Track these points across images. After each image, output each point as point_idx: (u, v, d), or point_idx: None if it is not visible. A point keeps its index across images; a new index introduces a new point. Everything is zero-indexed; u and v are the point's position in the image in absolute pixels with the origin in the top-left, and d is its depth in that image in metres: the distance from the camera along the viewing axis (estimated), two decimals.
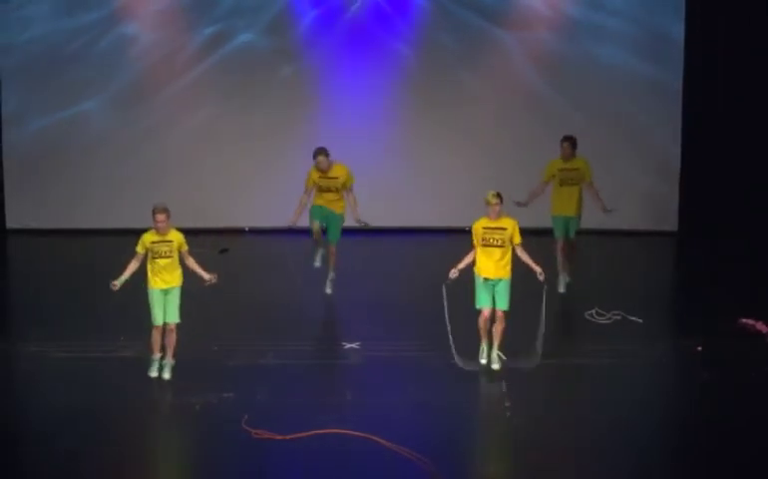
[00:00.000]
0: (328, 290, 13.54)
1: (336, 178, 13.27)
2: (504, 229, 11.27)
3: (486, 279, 11.33)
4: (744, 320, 12.79)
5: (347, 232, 13.69)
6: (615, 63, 17.32)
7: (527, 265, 11.31)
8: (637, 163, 17.42)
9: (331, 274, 13.57)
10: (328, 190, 13.31)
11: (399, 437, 9.62)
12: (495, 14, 17.31)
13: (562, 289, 13.92)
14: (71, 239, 17.20)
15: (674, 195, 17.49)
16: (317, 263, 13.50)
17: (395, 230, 17.26)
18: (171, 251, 11.08)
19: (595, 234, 17.09)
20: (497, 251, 11.27)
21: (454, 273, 11.27)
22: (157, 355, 11.16)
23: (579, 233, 16.60)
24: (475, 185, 16.61)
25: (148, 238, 11.07)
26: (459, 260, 11.36)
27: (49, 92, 17.30)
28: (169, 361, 11.18)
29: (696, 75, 17.15)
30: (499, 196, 11.25)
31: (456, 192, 17.16)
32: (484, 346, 11.49)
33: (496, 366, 11.36)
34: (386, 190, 17.25)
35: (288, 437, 9.67)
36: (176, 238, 11.13)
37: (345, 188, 13.34)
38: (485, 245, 11.30)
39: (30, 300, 14.10)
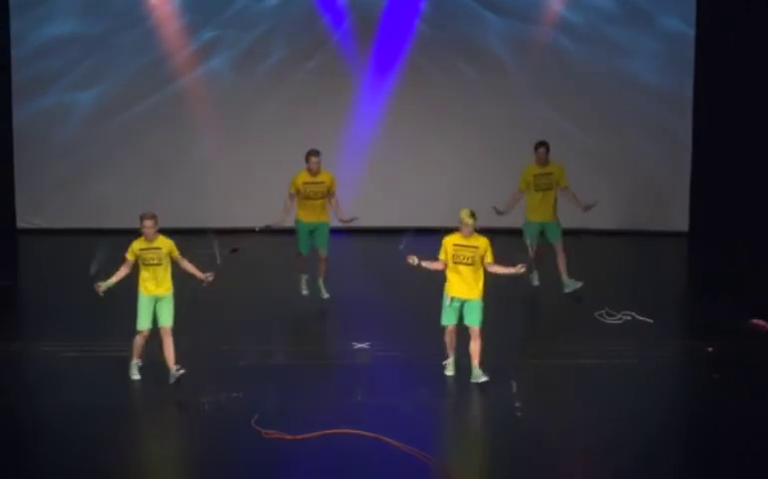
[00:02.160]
0: (325, 295, 13.58)
1: (322, 182, 13.32)
2: (476, 246, 10.99)
3: (452, 299, 11.05)
4: (756, 321, 12.76)
5: (349, 232, 13.68)
6: (626, 63, 17.28)
7: (504, 275, 11.11)
8: (648, 163, 17.37)
9: (321, 281, 13.62)
10: (313, 196, 13.31)
11: (408, 437, 9.62)
12: (503, 12, 17.29)
13: (536, 283, 14.13)
14: (81, 238, 17.21)
15: (685, 195, 17.44)
16: (305, 292, 13.58)
17: (401, 229, 17.22)
18: (159, 259, 11.02)
19: (606, 234, 17.09)
20: (466, 270, 11.00)
21: (413, 259, 11.02)
22: (137, 360, 11.13)
23: (589, 233, 16.64)
24: (482, 185, 16.66)
25: (137, 245, 11.05)
26: (427, 260, 11.11)
27: (59, 95, 17.32)
28: (173, 373, 10.90)
29: (707, 75, 17.10)
30: (473, 215, 10.99)
31: (462, 192, 17.13)
32: (450, 360, 11.24)
33: (482, 380, 11.00)
34: (394, 189, 17.24)
35: (298, 437, 9.67)
36: (164, 244, 11.06)
37: (329, 193, 13.36)
38: (455, 263, 11.04)
39: (41, 300, 14.12)
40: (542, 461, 9.52)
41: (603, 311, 13.13)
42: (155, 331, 11.07)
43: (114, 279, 11.05)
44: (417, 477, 9.17)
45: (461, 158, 17.39)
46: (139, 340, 11.11)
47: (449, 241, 11.09)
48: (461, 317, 11.10)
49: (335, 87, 17.38)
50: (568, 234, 14.66)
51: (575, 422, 10.30)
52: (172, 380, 10.90)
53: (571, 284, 13.91)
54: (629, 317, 13.05)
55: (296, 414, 10.18)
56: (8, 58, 17.19)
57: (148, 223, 10.99)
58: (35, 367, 11.68)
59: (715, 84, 17.04)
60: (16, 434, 9.98)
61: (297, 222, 13.53)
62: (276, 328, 12.79)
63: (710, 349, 11.96)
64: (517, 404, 10.57)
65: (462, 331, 11.12)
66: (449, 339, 11.20)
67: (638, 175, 17.36)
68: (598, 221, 16.35)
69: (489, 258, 11.02)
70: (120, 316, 12.62)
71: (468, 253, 10.98)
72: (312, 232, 13.45)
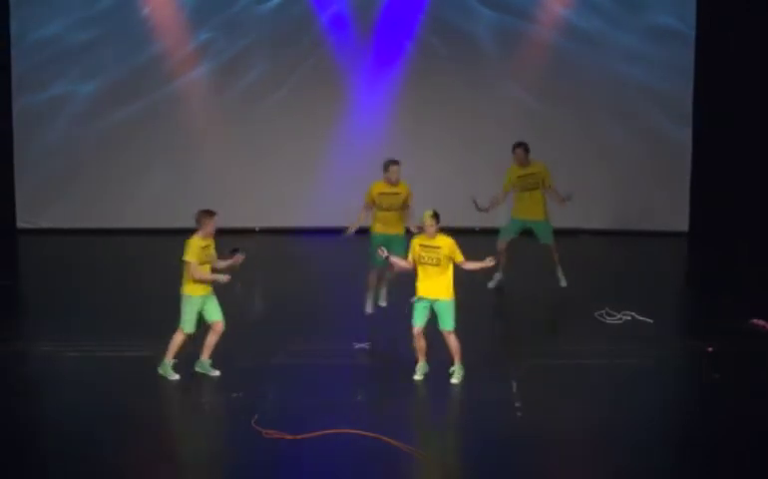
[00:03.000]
0: (383, 303, 13.23)
1: (399, 193, 12.85)
2: (438, 247, 10.97)
3: (420, 299, 11.07)
4: (756, 321, 12.76)
5: (360, 232, 13.64)
6: (626, 63, 17.27)
7: (477, 270, 11.15)
8: (648, 163, 17.36)
9: (384, 289, 13.25)
10: (389, 208, 12.83)
11: (408, 437, 9.62)
12: (506, 10, 17.29)
13: (491, 285, 13.99)
14: (82, 238, 17.22)
15: (685, 195, 17.44)
16: (369, 310, 13.12)
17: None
18: (210, 256, 11.04)
19: (605, 234, 17.09)
20: (432, 270, 10.99)
21: (382, 251, 11.30)
22: (173, 359, 11.07)
23: (588, 233, 16.64)
24: (489, 185, 16.63)
25: (198, 243, 10.86)
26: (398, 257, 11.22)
27: (60, 92, 17.32)
28: (209, 364, 11.09)
29: (708, 73, 17.09)
30: (435, 216, 10.99)
31: (469, 192, 17.12)
32: (420, 365, 11.19)
33: (455, 380, 11.04)
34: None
35: (298, 437, 9.67)
36: (213, 241, 11.14)
37: (406, 204, 12.91)
38: (421, 263, 11.05)
39: (41, 300, 14.13)
40: (542, 461, 9.52)
41: (603, 311, 13.12)
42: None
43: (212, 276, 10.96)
44: (417, 477, 9.17)
45: (462, 158, 17.36)
46: (183, 342, 11.03)
47: (416, 242, 11.15)
48: (436, 321, 11.08)
49: (333, 86, 17.36)
50: (567, 233, 14.67)
51: (575, 422, 10.29)
52: (205, 370, 11.04)
53: (562, 279, 13.96)
54: (629, 317, 13.04)
55: (296, 414, 10.18)
56: (8, 58, 17.18)
57: (216, 219, 10.95)
58: (35, 367, 11.67)
59: (715, 84, 17.03)
60: (15, 434, 9.97)
61: (372, 234, 12.98)
62: (277, 328, 12.78)
63: (710, 349, 11.97)
64: (517, 404, 10.57)
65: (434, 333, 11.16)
66: (418, 343, 11.14)
67: (638, 175, 17.35)
68: (598, 221, 16.35)
69: (458, 258, 11.01)
70: (120, 317, 12.65)
71: (432, 254, 10.99)
72: (387, 243, 12.60)
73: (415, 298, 11.09)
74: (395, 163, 12.85)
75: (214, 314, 11.06)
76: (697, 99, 17.22)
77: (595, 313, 13.11)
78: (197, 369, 11.12)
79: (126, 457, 9.52)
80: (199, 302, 10.98)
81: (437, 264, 10.97)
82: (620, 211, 17.30)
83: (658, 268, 15.86)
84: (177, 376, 11.05)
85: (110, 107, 17.34)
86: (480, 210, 13.68)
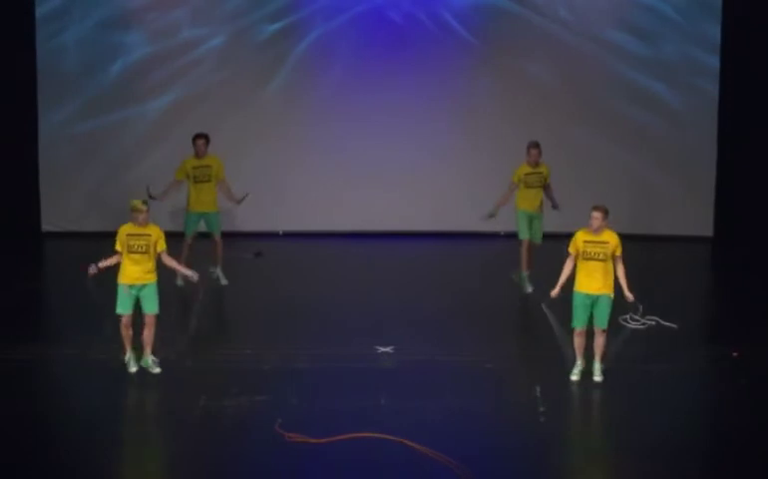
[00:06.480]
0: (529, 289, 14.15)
1: (541, 173, 14.12)
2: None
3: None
4: None
5: (382, 236, 13.66)
6: (652, 64, 17.22)
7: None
8: (672, 167, 17.30)
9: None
10: (535, 185, 14.20)
11: (432, 442, 9.62)
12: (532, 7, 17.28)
13: (529, 290, 14.12)
14: (107, 241, 17.26)
15: (710, 199, 17.37)
16: (530, 289, 14.04)
17: (427, 233, 17.21)
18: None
19: (630, 238, 16.99)
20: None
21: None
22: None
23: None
24: (494, 187, 16.59)
25: None
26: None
27: (84, 95, 17.38)
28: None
29: (733, 77, 17.01)
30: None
31: (485, 195, 17.10)
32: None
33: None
34: (423, 193, 17.18)
35: (322, 441, 9.68)
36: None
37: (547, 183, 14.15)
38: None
39: (67, 303, 14.17)
40: (566, 466, 9.51)
41: (627, 316, 13.07)
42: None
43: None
44: None
45: (468, 162, 17.31)
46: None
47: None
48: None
49: (343, 89, 17.36)
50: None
51: (600, 427, 10.28)
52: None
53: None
54: (653, 322, 13.01)
55: (320, 418, 10.20)
56: (33, 60, 17.24)
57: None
58: (57, 371, 11.73)
59: (741, 85, 16.94)
60: (38, 437, 10.01)
61: (519, 210, 14.10)
62: (300, 332, 12.80)
63: (735, 355, 11.92)
64: (541, 409, 10.56)
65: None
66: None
67: (663, 179, 17.29)
68: (621, 225, 16.24)
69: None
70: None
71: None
72: (532, 219, 14.06)
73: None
74: (534, 145, 13.96)
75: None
76: (723, 102, 17.14)
77: (619, 318, 13.04)
78: None
79: (148, 459, 9.56)
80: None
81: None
82: (644, 215, 17.23)
83: (682, 273, 15.80)
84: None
85: (134, 112, 17.39)
86: (490, 217, 14.15)
